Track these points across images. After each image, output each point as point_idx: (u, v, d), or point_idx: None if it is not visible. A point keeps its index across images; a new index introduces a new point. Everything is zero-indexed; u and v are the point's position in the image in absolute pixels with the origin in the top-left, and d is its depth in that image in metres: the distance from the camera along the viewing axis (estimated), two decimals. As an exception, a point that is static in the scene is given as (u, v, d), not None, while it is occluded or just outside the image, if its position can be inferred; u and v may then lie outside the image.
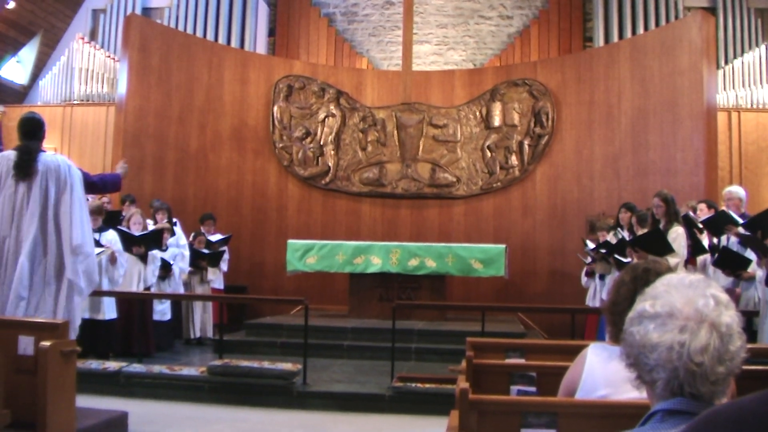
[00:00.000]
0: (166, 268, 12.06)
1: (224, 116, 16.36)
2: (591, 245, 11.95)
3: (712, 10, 16.59)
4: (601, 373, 3.37)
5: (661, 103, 14.48)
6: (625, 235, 10.60)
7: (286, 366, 9.26)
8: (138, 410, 7.91)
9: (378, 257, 13.52)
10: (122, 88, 14.88)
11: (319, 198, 16.91)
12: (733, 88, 16.12)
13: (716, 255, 9.36)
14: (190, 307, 13.15)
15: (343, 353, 11.65)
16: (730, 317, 1.88)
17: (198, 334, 13.16)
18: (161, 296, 12.01)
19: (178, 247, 12.47)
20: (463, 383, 3.64)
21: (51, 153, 6.97)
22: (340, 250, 13.72)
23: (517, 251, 15.67)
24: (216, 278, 13.43)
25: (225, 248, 13.70)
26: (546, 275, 16.00)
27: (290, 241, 14.16)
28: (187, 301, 13.14)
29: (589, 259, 12.19)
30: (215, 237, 13.70)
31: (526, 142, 16.35)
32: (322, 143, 16.76)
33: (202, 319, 13.23)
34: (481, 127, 16.59)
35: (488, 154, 16.47)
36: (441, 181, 16.59)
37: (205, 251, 13.21)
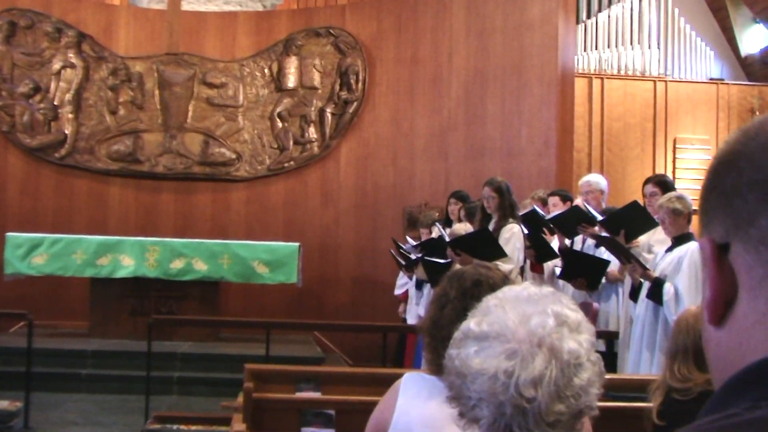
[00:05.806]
0: None
1: None
2: (412, 243, 12.03)
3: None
4: (417, 412, 3.38)
5: (503, 65, 14.83)
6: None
7: (2, 404, 9.07)
8: None
9: (130, 257, 13.46)
10: None
11: (52, 176, 16.45)
12: (596, 48, 16.51)
13: (562, 264, 9.58)
14: None
15: (82, 385, 11.56)
16: (578, 342, 1.94)
17: None
18: None
19: None
20: (238, 424, 3.66)
21: None
22: (79, 246, 13.55)
23: (314, 251, 15.80)
24: None
25: None
26: (352, 283, 16.17)
27: (9, 234, 13.85)
28: None
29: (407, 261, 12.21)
30: None
31: (328, 110, 16.45)
32: (56, 103, 16.24)
33: None
34: (270, 88, 16.59)
35: (279, 124, 16.48)
36: (216, 157, 16.46)
37: None
